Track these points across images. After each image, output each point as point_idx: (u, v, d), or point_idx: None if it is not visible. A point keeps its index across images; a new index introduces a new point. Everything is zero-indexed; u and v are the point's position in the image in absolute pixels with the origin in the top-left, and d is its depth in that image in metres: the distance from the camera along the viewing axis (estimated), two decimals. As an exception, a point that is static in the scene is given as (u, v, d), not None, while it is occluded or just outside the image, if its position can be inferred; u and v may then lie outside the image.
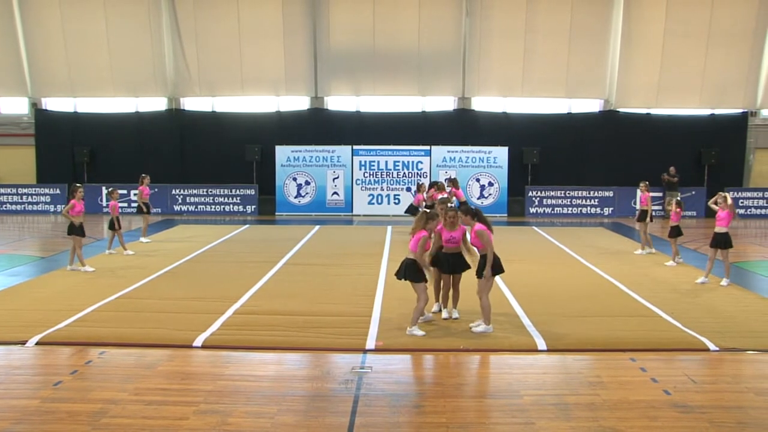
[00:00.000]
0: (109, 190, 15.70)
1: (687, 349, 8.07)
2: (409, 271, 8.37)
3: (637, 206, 23.04)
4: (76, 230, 12.62)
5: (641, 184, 15.60)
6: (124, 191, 23.42)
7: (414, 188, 19.37)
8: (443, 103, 24.67)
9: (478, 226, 8.46)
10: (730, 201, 11.78)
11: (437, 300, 9.38)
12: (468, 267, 9.03)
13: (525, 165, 23.81)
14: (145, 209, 16.46)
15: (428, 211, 8.57)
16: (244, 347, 8.01)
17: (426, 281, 8.46)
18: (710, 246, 11.88)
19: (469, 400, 6.52)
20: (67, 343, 8.09)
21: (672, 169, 22.69)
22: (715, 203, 11.91)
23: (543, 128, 24.04)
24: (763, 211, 23.50)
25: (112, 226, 14.51)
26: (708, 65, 23.53)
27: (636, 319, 9.33)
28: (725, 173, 23.89)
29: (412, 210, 17.90)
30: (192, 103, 25.04)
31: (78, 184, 13.40)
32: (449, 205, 9.48)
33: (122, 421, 5.91)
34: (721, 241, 11.61)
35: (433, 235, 8.60)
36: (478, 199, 22.92)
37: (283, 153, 23.41)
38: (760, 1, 23.07)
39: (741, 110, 24.27)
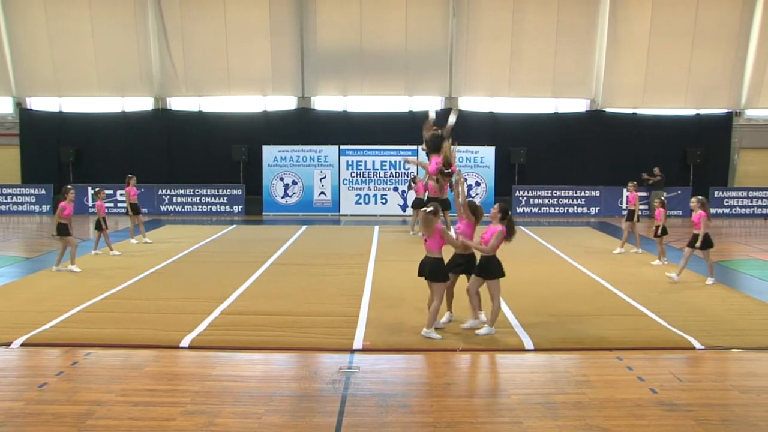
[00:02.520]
0: (96, 190, 15.56)
1: (673, 347, 8.12)
2: (434, 271, 8.24)
3: (624, 206, 23.31)
4: (64, 231, 12.53)
5: (629, 184, 15.68)
6: (111, 191, 23.32)
7: (409, 184, 19.32)
8: (430, 102, 24.67)
9: (500, 227, 8.51)
10: (701, 203, 11.95)
11: (449, 309, 9.10)
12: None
13: (512, 165, 23.89)
14: (131, 211, 16.28)
15: (428, 210, 8.50)
16: (231, 347, 7.98)
17: (447, 281, 8.40)
18: (687, 245, 12.02)
19: (456, 399, 6.53)
20: (53, 344, 8.02)
21: (656, 169, 22.83)
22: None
23: (530, 128, 24.14)
24: (747, 211, 23.71)
25: (98, 227, 14.44)
26: (693, 66, 23.72)
27: (623, 318, 9.38)
28: (710, 173, 24.14)
29: (418, 204, 17.86)
30: (178, 103, 24.95)
31: (69, 186, 13.28)
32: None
33: (108, 423, 5.87)
34: (701, 242, 11.69)
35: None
36: (466, 198, 22.93)
37: (270, 153, 23.36)
38: (744, 2, 23.29)
39: (726, 110, 24.50)
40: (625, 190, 15.76)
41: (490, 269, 8.52)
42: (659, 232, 13.65)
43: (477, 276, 8.64)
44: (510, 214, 8.73)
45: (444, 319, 8.97)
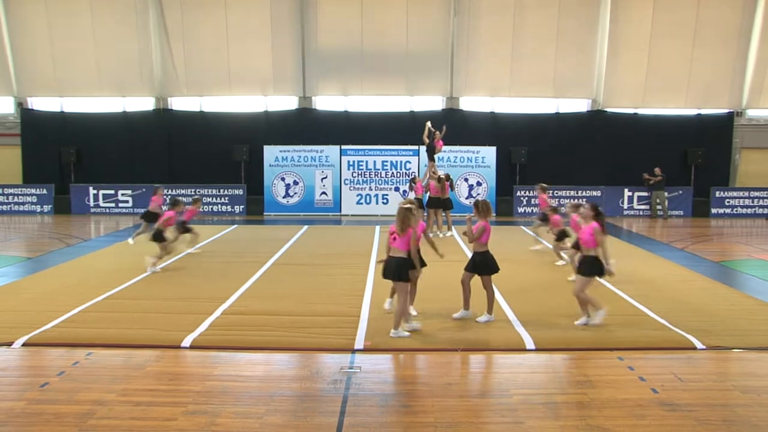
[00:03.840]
0: (196, 198, 15.15)
1: (674, 347, 8.11)
2: (403, 270, 8.31)
3: (626, 205, 23.32)
4: (161, 237, 12.72)
5: (537, 188, 15.77)
6: (111, 191, 23.39)
7: (409, 184, 19.42)
8: (431, 103, 24.70)
9: (595, 224, 8.73)
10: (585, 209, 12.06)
11: (467, 306, 9.27)
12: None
13: (513, 165, 23.89)
14: (147, 217, 15.95)
15: (410, 207, 8.53)
16: (232, 347, 7.99)
17: (410, 281, 8.50)
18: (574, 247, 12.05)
19: (457, 399, 6.52)
20: (54, 344, 8.03)
21: (657, 170, 22.83)
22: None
23: (531, 128, 24.14)
24: (748, 211, 23.68)
25: (159, 238, 13.21)
26: (694, 66, 23.71)
27: (623, 317, 9.36)
28: (711, 173, 24.13)
29: (418, 204, 17.82)
30: (180, 103, 24.95)
31: (181, 199, 13.87)
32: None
33: (110, 423, 5.87)
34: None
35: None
36: (467, 198, 22.96)
37: (271, 153, 23.36)
38: (745, 2, 23.28)
39: (727, 110, 24.48)
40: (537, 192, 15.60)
41: (485, 265, 9.01)
42: (558, 236, 13.40)
43: (470, 271, 9.10)
44: (601, 210, 9.03)
45: (458, 315, 9.20)
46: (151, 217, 15.62)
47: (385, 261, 8.50)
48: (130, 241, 15.95)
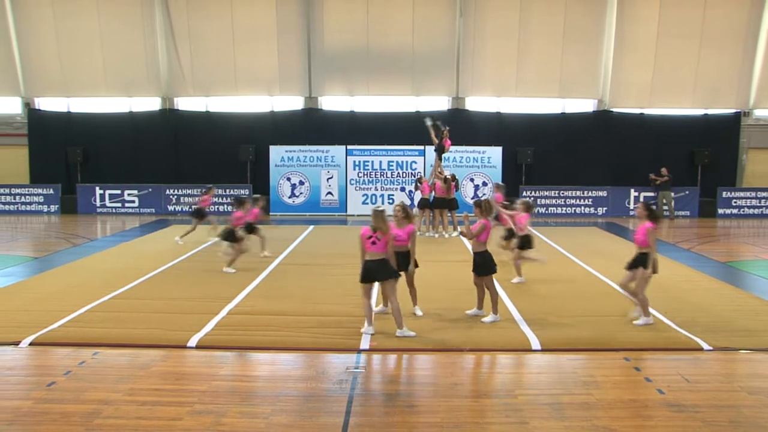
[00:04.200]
0: (256, 197, 15.01)
1: (680, 348, 8.09)
2: (389, 270, 8.43)
3: (630, 207, 23.26)
4: (233, 237, 12.81)
5: (494, 187, 15.80)
6: (118, 191, 23.45)
7: (415, 184, 19.48)
8: (437, 103, 24.67)
9: (649, 224, 8.88)
10: (521, 204, 12.08)
11: (480, 306, 9.42)
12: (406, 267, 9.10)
13: (519, 165, 23.85)
14: (196, 215, 16.63)
15: (383, 209, 8.59)
16: (238, 347, 8.00)
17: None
18: (517, 247, 11.93)
19: (463, 399, 6.52)
20: (61, 343, 8.06)
21: (663, 170, 22.76)
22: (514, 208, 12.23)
23: (537, 128, 24.08)
24: (755, 211, 23.59)
25: (232, 237, 12.96)
26: (701, 66, 23.62)
27: (630, 318, 9.34)
28: (718, 173, 24.03)
29: (424, 204, 17.83)
30: (186, 103, 24.99)
31: (246, 198, 14.18)
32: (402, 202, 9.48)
33: (116, 422, 5.89)
34: (525, 242, 11.81)
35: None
36: (472, 198, 22.93)
37: (277, 153, 23.39)
38: (752, 1, 23.19)
39: (734, 110, 24.38)
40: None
41: (483, 266, 9.10)
42: (505, 235, 13.09)
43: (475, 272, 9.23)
44: (654, 209, 9.30)
45: (471, 312, 9.38)
46: (200, 215, 16.49)
47: (366, 264, 8.45)
48: (180, 241, 16.11)
